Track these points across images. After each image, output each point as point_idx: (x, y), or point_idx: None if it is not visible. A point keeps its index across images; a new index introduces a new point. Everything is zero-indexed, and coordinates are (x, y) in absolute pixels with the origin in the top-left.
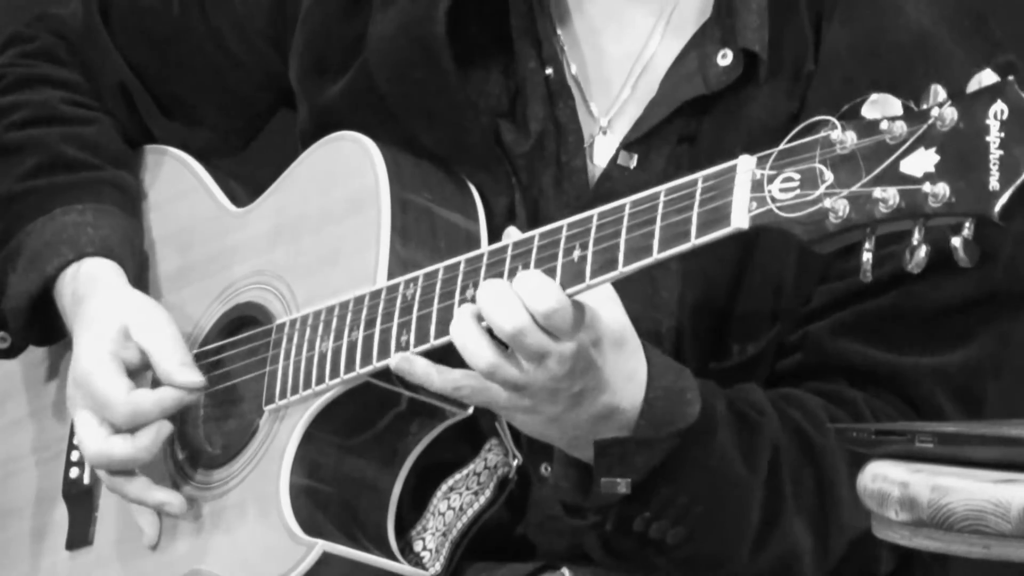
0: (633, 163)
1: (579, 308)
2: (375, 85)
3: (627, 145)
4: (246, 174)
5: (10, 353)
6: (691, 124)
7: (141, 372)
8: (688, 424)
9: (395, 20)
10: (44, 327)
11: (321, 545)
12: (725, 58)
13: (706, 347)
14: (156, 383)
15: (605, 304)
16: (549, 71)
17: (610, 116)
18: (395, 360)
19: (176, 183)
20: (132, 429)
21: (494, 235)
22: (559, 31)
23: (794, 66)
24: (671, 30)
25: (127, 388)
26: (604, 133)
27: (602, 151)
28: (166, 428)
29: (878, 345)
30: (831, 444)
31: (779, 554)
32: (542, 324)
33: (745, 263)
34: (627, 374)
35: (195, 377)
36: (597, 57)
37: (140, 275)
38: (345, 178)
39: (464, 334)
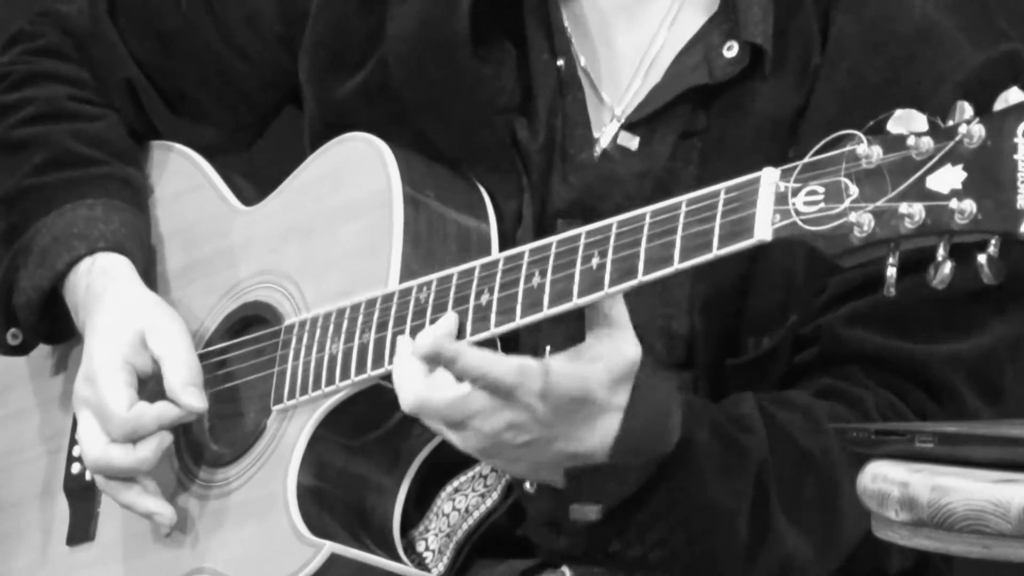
0: (634, 145)
1: (518, 367)
2: (391, 82)
3: (629, 126)
4: (253, 172)
5: (22, 350)
6: (696, 115)
7: (152, 379)
8: (664, 453)
9: (415, 17)
10: (54, 323)
11: (329, 547)
12: (731, 50)
13: (720, 343)
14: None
15: (598, 363)
16: (561, 63)
17: (623, 105)
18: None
19: (183, 179)
20: (131, 440)
21: (503, 239)
22: (567, 23)
23: (801, 59)
24: (680, 22)
25: (129, 402)
26: (616, 120)
27: (610, 137)
28: (167, 439)
29: (892, 333)
30: (830, 445)
31: (775, 568)
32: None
33: (755, 256)
34: (589, 428)
35: (199, 402)
36: (607, 49)
37: (147, 271)
38: (357, 179)
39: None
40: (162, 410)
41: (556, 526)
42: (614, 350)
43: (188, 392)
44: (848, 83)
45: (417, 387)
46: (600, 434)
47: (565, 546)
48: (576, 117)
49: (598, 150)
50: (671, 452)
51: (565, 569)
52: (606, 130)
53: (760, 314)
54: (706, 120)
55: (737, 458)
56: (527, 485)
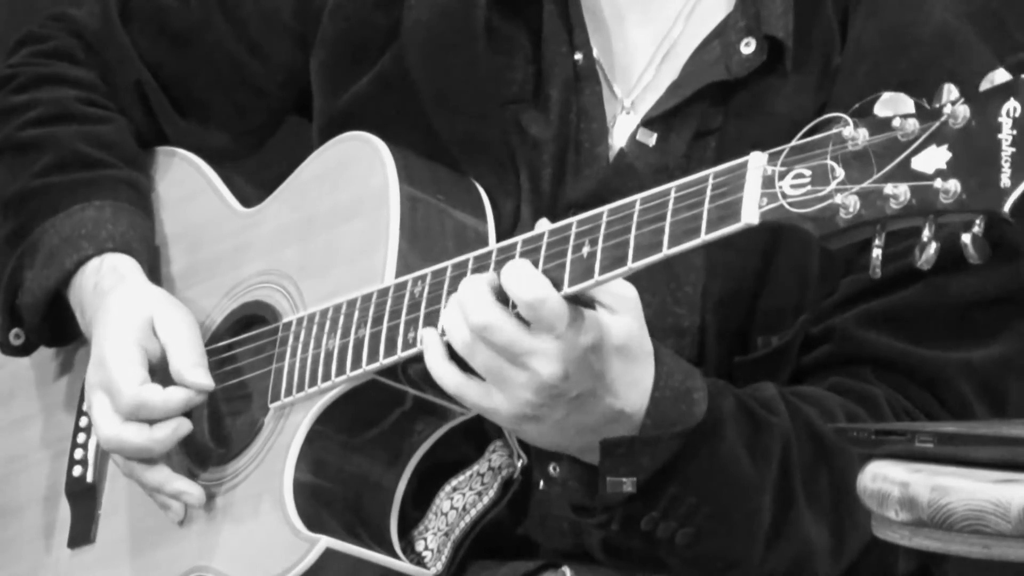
0: (652, 141)
1: (573, 308)
2: (406, 71)
3: (647, 123)
4: (255, 174)
5: (24, 350)
6: (713, 113)
7: (162, 366)
8: (693, 424)
9: (434, 5)
10: (59, 325)
11: (324, 541)
12: (749, 46)
13: (730, 341)
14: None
15: (616, 311)
16: (579, 56)
17: (633, 97)
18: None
19: (186, 184)
20: (147, 420)
21: (501, 237)
22: (584, 16)
23: (822, 60)
24: (696, 16)
25: (139, 380)
26: (627, 113)
27: (623, 130)
28: (185, 426)
29: (904, 338)
30: None
31: (793, 554)
32: (529, 316)
33: (771, 255)
34: (632, 380)
35: (204, 379)
36: (622, 42)
37: (152, 273)
38: (355, 178)
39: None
40: (169, 394)
41: (583, 509)
42: (619, 297)
43: (193, 371)
44: (867, 86)
45: (491, 307)
46: (640, 390)
47: (571, 544)
48: (592, 111)
49: (611, 143)
50: (700, 423)
51: (566, 569)
52: (618, 123)
53: (772, 313)
54: (722, 118)
55: (762, 435)
56: (551, 469)
